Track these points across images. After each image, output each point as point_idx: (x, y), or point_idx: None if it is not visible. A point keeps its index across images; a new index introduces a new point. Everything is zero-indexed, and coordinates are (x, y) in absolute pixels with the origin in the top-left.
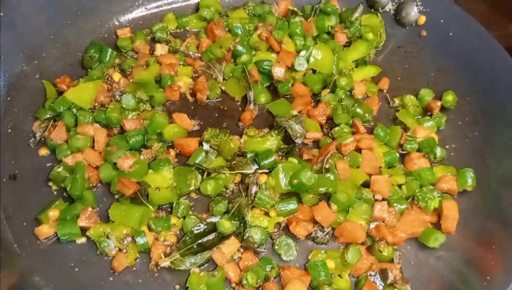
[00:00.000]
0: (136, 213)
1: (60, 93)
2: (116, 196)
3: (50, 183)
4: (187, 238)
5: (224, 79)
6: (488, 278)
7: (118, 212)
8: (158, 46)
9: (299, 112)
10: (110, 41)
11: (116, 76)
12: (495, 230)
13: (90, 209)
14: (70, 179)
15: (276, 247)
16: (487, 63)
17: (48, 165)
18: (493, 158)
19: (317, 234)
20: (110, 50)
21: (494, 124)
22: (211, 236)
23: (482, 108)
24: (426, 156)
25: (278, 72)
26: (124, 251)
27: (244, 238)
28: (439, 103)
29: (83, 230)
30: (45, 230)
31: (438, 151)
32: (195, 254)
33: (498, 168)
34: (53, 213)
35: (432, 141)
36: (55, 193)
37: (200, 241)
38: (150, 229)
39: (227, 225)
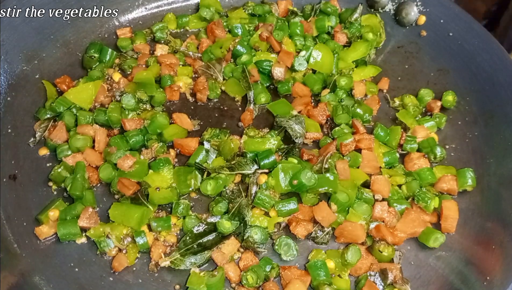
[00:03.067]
0: (136, 213)
1: (60, 93)
2: (116, 196)
3: (50, 183)
4: (187, 238)
5: (224, 79)
6: (488, 278)
7: (118, 212)
8: (158, 46)
9: (299, 112)
10: (110, 41)
11: (116, 76)
12: (495, 230)
13: (90, 209)
14: (70, 179)
15: (276, 247)
16: (487, 63)
17: (48, 165)
18: (493, 158)
19: (317, 234)
20: (110, 50)
21: (494, 124)
22: (211, 236)
23: (482, 108)
24: (426, 156)
25: (278, 72)
26: (124, 251)
27: (244, 238)
28: (439, 103)
29: (83, 230)
30: (45, 230)
31: (438, 151)
32: (195, 254)
33: (498, 168)
34: (53, 213)
35: (432, 141)
36: (55, 193)
37: (200, 241)
38: (150, 229)
39: (227, 225)
